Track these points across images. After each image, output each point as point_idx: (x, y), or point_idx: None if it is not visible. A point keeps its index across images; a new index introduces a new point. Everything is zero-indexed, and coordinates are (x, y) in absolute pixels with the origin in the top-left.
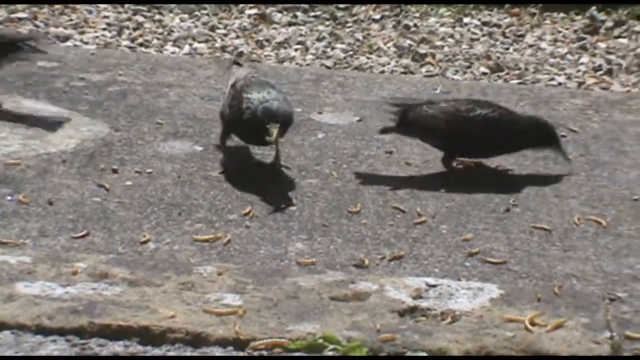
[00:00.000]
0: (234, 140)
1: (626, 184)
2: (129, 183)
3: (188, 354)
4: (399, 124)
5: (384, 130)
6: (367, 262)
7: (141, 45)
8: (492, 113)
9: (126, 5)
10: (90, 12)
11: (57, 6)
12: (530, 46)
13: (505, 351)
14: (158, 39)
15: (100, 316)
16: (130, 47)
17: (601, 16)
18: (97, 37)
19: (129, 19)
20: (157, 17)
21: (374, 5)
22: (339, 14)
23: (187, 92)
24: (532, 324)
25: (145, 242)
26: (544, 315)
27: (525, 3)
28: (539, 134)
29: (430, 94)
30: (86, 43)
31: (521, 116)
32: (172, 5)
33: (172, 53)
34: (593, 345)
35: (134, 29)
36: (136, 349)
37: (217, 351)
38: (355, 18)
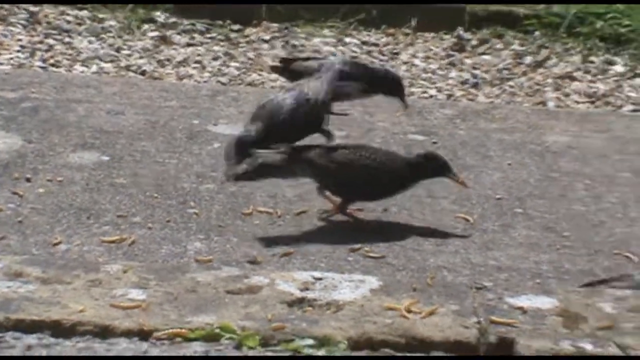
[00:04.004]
0: (139, 151)
1: (490, 185)
2: (41, 190)
3: (96, 345)
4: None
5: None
6: (259, 258)
7: (52, 65)
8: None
9: (38, 29)
10: (5, 35)
11: None
12: (405, 63)
13: (384, 336)
14: (68, 59)
15: (15, 312)
16: (42, 67)
17: (467, 35)
18: (11, 58)
19: (40, 42)
20: (67, 39)
21: (263, 27)
22: (233, 35)
23: (94, 107)
24: (408, 311)
25: (57, 244)
26: (418, 304)
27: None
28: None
29: None
30: (1, 64)
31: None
32: (81, 29)
33: (81, 72)
34: (462, 330)
35: (46, 51)
36: (49, 341)
37: (123, 342)
38: (247, 39)
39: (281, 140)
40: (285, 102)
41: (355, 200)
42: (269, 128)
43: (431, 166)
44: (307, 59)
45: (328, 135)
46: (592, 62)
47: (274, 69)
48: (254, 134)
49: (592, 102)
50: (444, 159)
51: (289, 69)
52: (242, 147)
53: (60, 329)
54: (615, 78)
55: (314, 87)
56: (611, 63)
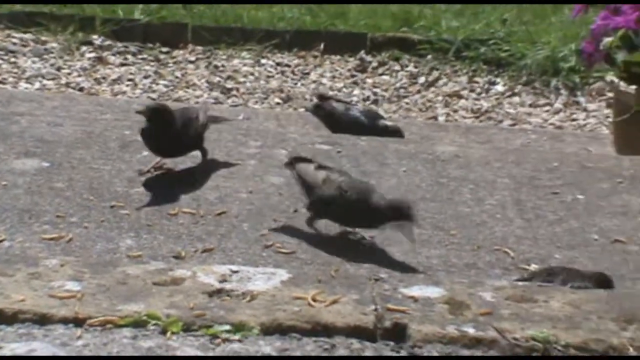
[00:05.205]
0: (77, 158)
1: (387, 189)
2: None
3: (35, 330)
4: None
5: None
6: (183, 254)
7: None
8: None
9: None
10: None
11: None
12: (314, 82)
13: (293, 322)
14: (13, 77)
15: None
16: None
17: (369, 58)
18: None
19: None
20: (13, 59)
21: (189, 49)
22: (162, 56)
23: (36, 119)
24: (314, 300)
25: (1, 241)
26: (323, 293)
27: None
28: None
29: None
30: None
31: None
32: (25, 50)
33: (25, 88)
34: (361, 316)
35: None
36: None
37: (60, 328)
38: (175, 60)
39: (175, 145)
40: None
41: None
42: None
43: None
44: (338, 100)
45: (204, 152)
46: (476, 82)
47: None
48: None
49: (477, 117)
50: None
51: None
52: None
53: (2, 317)
54: (497, 96)
55: (194, 111)
56: (493, 83)
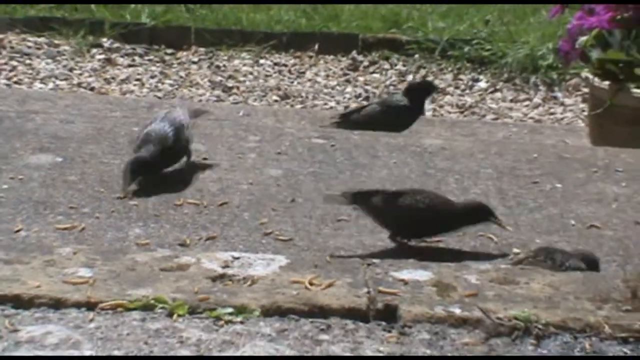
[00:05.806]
0: (88, 153)
1: (379, 179)
2: (5, 186)
3: (51, 314)
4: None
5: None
6: (188, 241)
7: (15, 83)
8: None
9: (3, 53)
10: None
11: None
12: (309, 80)
13: (291, 305)
14: (28, 78)
15: None
16: (6, 85)
17: (360, 58)
18: None
19: (5, 64)
20: (28, 61)
21: (192, 50)
22: (167, 57)
23: (50, 117)
24: (311, 284)
25: (18, 231)
26: (319, 278)
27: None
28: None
29: None
30: None
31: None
32: (39, 52)
33: (40, 88)
34: (355, 298)
35: (10, 71)
36: (10, 311)
37: (74, 311)
38: (179, 60)
39: (171, 159)
40: (167, 128)
41: (410, 237)
42: (164, 150)
43: (477, 215)
44: (357, 110)
45: (189, 153)
46: (461, 79)
47: (335, 124)
48: (149, 156)
49: (461, 112)
50: (488, 207)
51: (348, 120)
52: (138, 168)
53: (20, 302)
54: (480, 92)
55: (179, 114)
56: (476, 80)
